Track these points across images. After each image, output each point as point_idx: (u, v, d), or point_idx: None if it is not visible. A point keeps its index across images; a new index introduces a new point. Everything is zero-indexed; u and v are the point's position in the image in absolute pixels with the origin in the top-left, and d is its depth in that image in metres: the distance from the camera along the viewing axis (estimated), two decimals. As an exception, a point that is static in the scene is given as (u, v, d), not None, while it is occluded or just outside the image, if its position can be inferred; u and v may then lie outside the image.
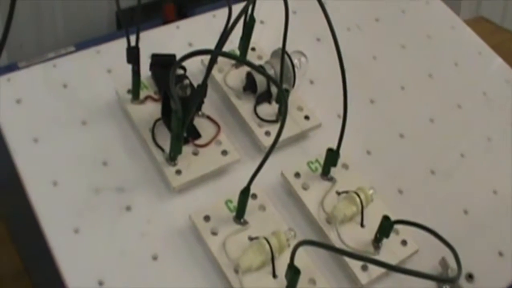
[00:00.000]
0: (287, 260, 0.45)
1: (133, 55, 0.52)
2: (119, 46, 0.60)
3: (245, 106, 0.57)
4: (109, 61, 0.60)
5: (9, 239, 0.70)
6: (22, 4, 0.71)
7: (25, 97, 0.56)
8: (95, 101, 0.57)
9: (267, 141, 0.55)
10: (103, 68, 0.60)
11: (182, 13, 0.67)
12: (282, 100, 0.53)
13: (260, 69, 0.49)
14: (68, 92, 0.57)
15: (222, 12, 0.66)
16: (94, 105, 0.57)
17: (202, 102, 0.54)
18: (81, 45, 0.67)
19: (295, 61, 0.56)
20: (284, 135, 0.50)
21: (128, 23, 0.50)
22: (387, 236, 0.49)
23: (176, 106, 0.45)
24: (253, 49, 0.61)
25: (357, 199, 0.51)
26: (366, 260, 0.44)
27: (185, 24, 0.65)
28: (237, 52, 0.59)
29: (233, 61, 0.59)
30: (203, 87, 0.47)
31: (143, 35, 0.55)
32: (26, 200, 0.51)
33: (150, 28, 0.63)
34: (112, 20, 0.77)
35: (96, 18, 0.77)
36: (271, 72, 0.56)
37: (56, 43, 0.73)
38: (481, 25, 0.80)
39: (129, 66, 0.55)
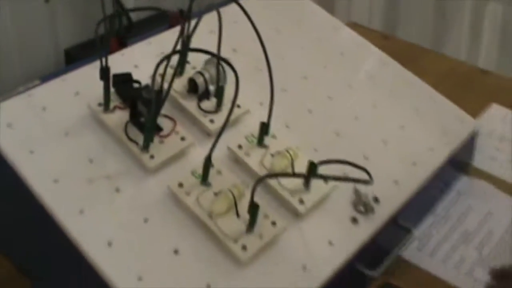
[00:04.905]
0: (245, 204, 0.62)
1: (105, 73, 0.68)
2: (81, 74, 0.76)
3: (191, 104, 0.74)
4: (75, 86, 0.75)
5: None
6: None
7: (14, 121, 0.70)
8: (72, 117, 0.71)
9: (212, 126, 0.72)
10: (72, 92, 0.74)
11: (122, 44, 0.83)
12: (222, 94, 0.70)
13: (219, 56, 0.66)
14: (48, 113, 0.71)
15: (155, 39, 0.84)
16: (72, 120, 0.71)
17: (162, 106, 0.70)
18: (44, 79, 0.81)
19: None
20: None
21: (102, 51, 0.66)
22: (314, 175, 0.67)
23: (153, 98, 0.62)
24: (187, 62, 0.78)
25: (288, 155, 0.69)
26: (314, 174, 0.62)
27: (128, 51, 0.81)
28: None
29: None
30: (170, 86, 0.64)
31: (98, 63, 0.71)
32: (17, 207, 0.66)
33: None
34: (61, 57, 0.93)
35: (45, 56, 0.92)
36: (207, 75, 0.74)
37: (15, 81, 0.86)
38: (354, 28, 1.00)
39: (92, 88, 0.71)
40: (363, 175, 0.62)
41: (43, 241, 0.68)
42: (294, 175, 0.66)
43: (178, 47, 0.70)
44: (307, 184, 0.68)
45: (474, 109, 0.97)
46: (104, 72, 0.68)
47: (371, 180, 0.61)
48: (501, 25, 1.64)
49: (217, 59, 0.70)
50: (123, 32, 0.84)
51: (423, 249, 0.77)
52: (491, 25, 1.61)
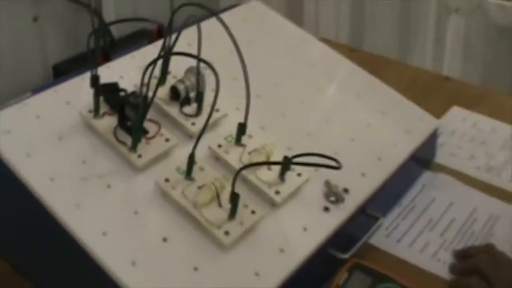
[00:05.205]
0: (227, 196, 0.69)
1: (95, 81, 0.74)
2: (71, 86, 0.82)
3: (173, 110, 0.80)
4: (66, 96, 0.81)
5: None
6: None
7: (11, 128, 0.76)
8: (64, 123, 0.77)
9: (194, 129, 0.78)
10: (63, 101, 0.81)
11: (107, 58, 0.89)
12: (202, 99, 0.77)
13: (200, 58, 0.73)
14: (42, 120, 0.77)
15: (138, 53, 0.90)
16: (64, 126, 0.77)
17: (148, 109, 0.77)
18: (35, 92, 0.87)
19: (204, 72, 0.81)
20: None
21: (92, 61, 0.73)
22: (288, 169, 0.74)
23: (140, 99, 0.68)
24: (169, 72, 0.84)
25: (264, 151, 0.76)
26: (290, 163, 0.71)
27: (114, 64, 0.87)
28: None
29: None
30: (156, 89, 0.71)
31: (86, 75, 0.78)
32: (15, 207, 0.72)
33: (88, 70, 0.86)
34: (49, 72, 0.99)
35: (34, 71, 0.98)
36: (187, 83, 0.81)
37: (4, 95, 0.91)
38: (322, 42, 1.08)
39: (82, 98, 0.77)
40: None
41: (41, 238, 0.74)
42: (271, 163, 0.73)
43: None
44: (282, 177, 0.75)
45: (437, 112, 1.05)
46: (95, 80, 0.75)
47: (339, 166, 0.68)
48: (464, 36, 1.73)
49: (197, 62, 0.76)
50: (107, 47, 0.90)
51: (391, 236, 0.84)
52: (454, 36, 1.70)
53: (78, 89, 0.81)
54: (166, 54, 0.77)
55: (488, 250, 0.78)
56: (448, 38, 1.69)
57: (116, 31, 0.98)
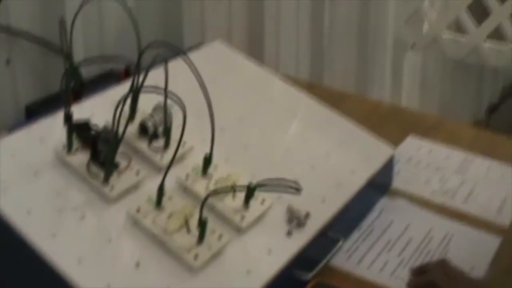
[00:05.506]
0: (195, 222, 0.73)
1: (68, 119, 0.79)
2: (43, 125, 0.86)
3: (142, 144, 0.85)
4: (39, 135, 0.85)
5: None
6: None
7: (-10, 164, 0.80)
8: (39, 160, 0.81)
9: (162, 162, 0.83)
10: (36, 139, 0.85)
11: (78, 98, 0.94)
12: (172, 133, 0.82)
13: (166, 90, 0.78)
14: (17, 157, 0.81)
15: (108, 93, 0.95)
16: (39, 163, 0.81)
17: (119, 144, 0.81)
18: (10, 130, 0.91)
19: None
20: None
21: (65, 99, 0.77)
22: (252, 196, 0.79)
23: (112, 137, 0.73)
24: (138, 110, 0.89)
25: (229, 181, 0.80)
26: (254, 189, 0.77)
27: (84, 104, 0.92)
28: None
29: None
30: (125, 128, 0.75)
31: (58, 114, 0.83)
32: None
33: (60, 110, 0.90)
34: (21, 113, 1.03)
35: (6, 112, 1.03)
36: (155, 118, 0.86)
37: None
38: (282, 78, 1.14)
39: (54, 136, 0.82)
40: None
41: (18, 267, 0.76)
42: (235, 190, 0.78)
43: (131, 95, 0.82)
44: (246, 204, 0.80)
45: (395, 140, 1.11)
46: (68, 117, 0.79)
47: (299, 188, 0.73)
48: (420, 70, 1.82)
49: (165, 97, 0.81)
50: (78, 88, 0.95)
51: (351, 258, 0.89)
52: (411, 70, 1.79)
53: (51, 128, 0.85)
54: (136, 90, 0.82)
55: (443, 264, 0.83)
56: (405, 72, 1.77)
57: (86, 73, 1.04)
